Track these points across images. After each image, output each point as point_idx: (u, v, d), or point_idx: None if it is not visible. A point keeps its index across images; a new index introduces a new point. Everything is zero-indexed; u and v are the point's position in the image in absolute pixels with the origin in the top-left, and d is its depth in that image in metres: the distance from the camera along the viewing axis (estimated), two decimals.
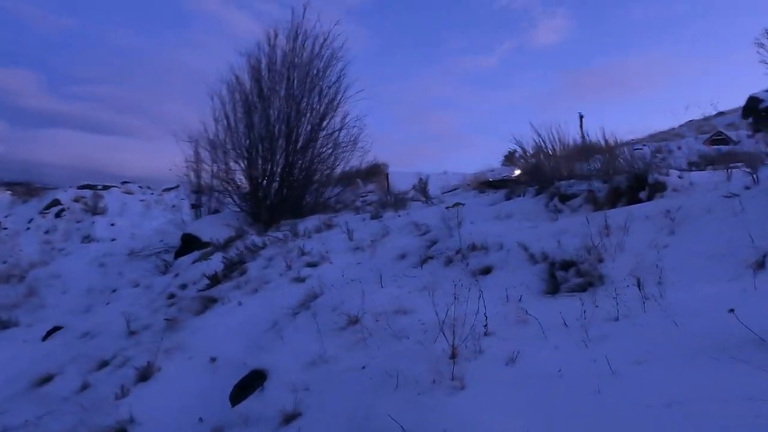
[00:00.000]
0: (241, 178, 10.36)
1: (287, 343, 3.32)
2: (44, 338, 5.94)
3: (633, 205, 4.00)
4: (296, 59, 10.27)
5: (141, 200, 17.46)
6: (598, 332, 2.41)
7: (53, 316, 7.30)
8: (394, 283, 4.01)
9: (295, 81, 10.26)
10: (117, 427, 2.91)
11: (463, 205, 6.42)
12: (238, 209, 10.18)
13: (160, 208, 16.66)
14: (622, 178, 4.48)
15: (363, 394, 2.39)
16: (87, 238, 14.04)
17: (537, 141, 6.14)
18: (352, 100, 10.76)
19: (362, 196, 13.90)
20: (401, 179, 14.74)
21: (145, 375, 3.48)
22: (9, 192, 17.40)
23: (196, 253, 7.94)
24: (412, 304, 3.32)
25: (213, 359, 3.64)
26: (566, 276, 3.27)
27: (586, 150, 5.96)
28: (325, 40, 10.38)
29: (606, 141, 5.06)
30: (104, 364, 4.18)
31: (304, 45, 10.34)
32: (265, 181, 10.13)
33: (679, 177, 4.42)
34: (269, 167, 10.15)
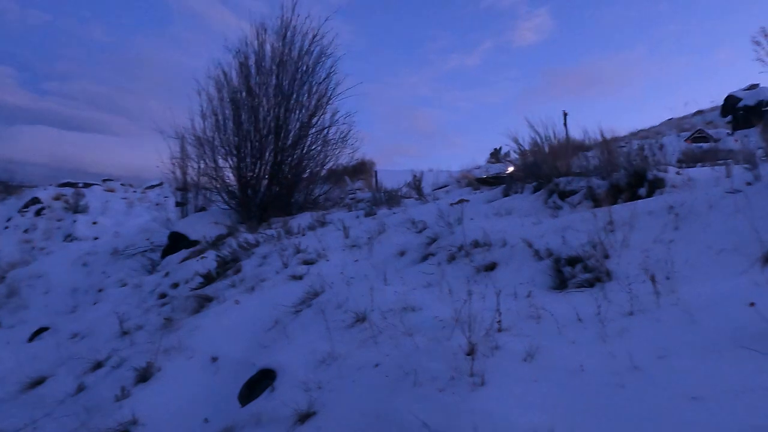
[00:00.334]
0: (229, 175, 10.24)
1: (293, 341, 3.26)
2: (30, 339, 5.76)
3: (635, 201, 4.02)
4: (285, 56, 10.17)
5: (123, 198, 17.13)
6: (615, 327, 2.40)
7: (37, 316, 7.11)
8: (398, 280, 3.98)
9: (284, 78, 10.16)
10: (120, 429, 2.81)
11: (468, 201, 6.41)
12: (227, 207, 10.05)
13: (143, 206, 16.34)
14: (622, 174, 4.50)
15: (380, 391, 2.34)
16: (69, 237, 13.71)
17: (533, 137, 6.16)
18: (341, 96, 10.73)
19: (350, 194, 13.86)
20: (387, 177, 14.71)
21: (145, 375, 3.38)
22: None
23: (184, 252, 7.80)
24: (420, 301, 3.28)
25: (214, 359, 3.56)
26: (573, 272, 3.27)
27: (581, 146, 5.99)
28: (314, 36, 10.31)
29: (603, 137, 5.08)
30: (99, 365, 4.06)
31: (293, 41, 10.25)
32: (254, 179, 10.01)
33: (678, 173, 4.47)
34: (258, 164, 10.04)
